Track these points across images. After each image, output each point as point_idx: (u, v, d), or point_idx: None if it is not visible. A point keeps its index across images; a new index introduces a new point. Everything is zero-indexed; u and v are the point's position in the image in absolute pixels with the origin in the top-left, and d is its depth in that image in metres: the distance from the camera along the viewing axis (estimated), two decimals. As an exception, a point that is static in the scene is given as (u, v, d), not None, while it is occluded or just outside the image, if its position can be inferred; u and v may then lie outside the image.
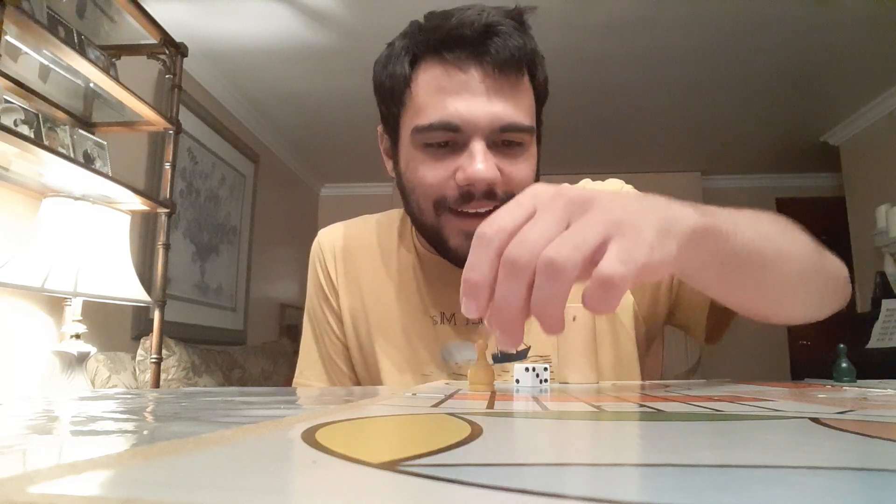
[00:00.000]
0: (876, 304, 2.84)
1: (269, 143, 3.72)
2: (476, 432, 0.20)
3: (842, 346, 0.62)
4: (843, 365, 0.61)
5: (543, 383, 0.50)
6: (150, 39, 1.96)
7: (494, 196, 0.64)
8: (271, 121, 3.54)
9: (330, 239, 0.82)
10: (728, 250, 0.42)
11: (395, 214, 0.83)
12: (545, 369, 0.50)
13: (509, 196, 0.61)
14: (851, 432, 0.21)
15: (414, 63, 0.65)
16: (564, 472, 0.14)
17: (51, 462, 0.18)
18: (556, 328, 0.33)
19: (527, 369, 0.50)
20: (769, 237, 0.48)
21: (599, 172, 4.32)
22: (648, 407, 0.32)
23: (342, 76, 2.92)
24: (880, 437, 0.20)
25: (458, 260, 0.68)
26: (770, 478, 0.13)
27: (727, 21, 2.50)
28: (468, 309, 0.35)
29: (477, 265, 0.34)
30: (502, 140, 0.64)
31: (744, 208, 0.47)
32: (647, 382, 0.69)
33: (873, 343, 2.68)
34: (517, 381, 0.50)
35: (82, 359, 1.56)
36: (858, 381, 0.60)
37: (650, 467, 0.15)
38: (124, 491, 0.11)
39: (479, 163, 0.62)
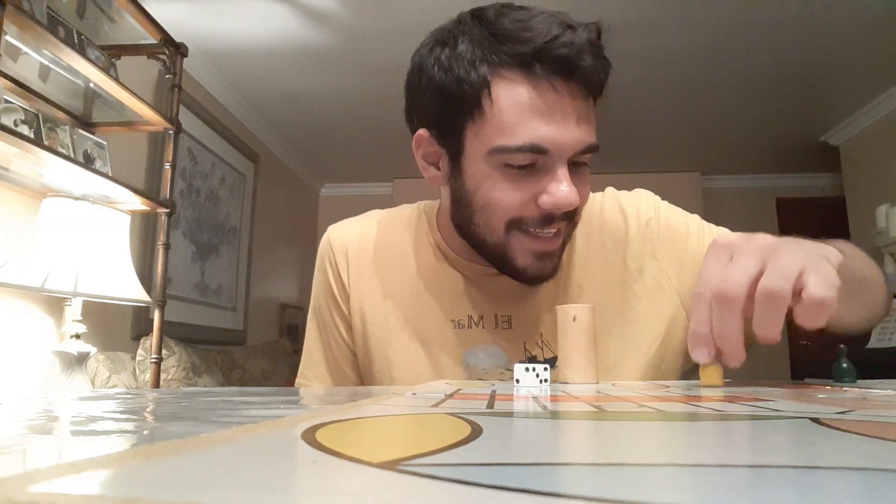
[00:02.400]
0: (876, 304, 2.84)
1: (269, 143, 3.72)
2: (476, 432, 0.20)
3: (842, 346, 0.62)
4: (843, 365, 0.61)
5: (543, 383, 0.50)
6: (150, 39, 1.96)
7: (568, 215, 0.63)
8: (271, 121, 3.54)
9: (341, 237, 0.78)
10: (850, 277, 0.52)
11: (412, 213, 0.80)
12: (545, 369, 0.51)
13: (575, 213, 0.64)
14: (851, 432, 0.21)
15: (493, 72, 0.60)
16: (564, 472, 0.14)
17: (51, 462, 0.18)
18: (774, 341, 0.45)
19: (526, 369, 0.50)
20: (864, 263, 0.61)
21: (599, 172, 4.30)
22: (648, 407, 0.32)
23: (342, 76, 2.92)
24: (880, 437, 0.20)
25: (524, 276, 0.66)
26: (770, 478, 0.13)
27: (727, 21, 2.50)
28: (701, 355, 0.47)
29: (702, 320, 0.47)
30: (575, 161, 0.63)
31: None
32: (648, 382, 0.69)
33: (873, 343, 2.68)
34: (517, 380, 0.50)
35: (82, 359, 1.56)
36: (858, 381, 0.60)
37: (650, 467, 0.15)
38: (124, 491, 0.11)
39: (565, 188, 0.60)
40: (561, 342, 0.62)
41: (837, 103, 3.30)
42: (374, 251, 0.77)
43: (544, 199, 0.61)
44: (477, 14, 0.63)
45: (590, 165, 0.66)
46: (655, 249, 0.73)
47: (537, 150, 0.59)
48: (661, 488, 0.12)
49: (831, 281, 0.44)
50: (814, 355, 3.89)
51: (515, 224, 0.63)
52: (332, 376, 0.78)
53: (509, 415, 0.28)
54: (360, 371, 0.77)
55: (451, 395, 0.40)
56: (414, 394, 0.42)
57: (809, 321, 0.44)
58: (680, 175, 4.36)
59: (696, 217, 0.77)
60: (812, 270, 0.44)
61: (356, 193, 4.69)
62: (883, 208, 3.13)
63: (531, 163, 0.60)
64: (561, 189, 0.60)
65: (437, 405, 0.32)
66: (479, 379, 0.70)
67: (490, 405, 0.32)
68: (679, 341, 0.71)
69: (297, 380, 0.80)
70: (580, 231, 0.74)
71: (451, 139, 0.64)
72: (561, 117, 0.60)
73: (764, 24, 2.51)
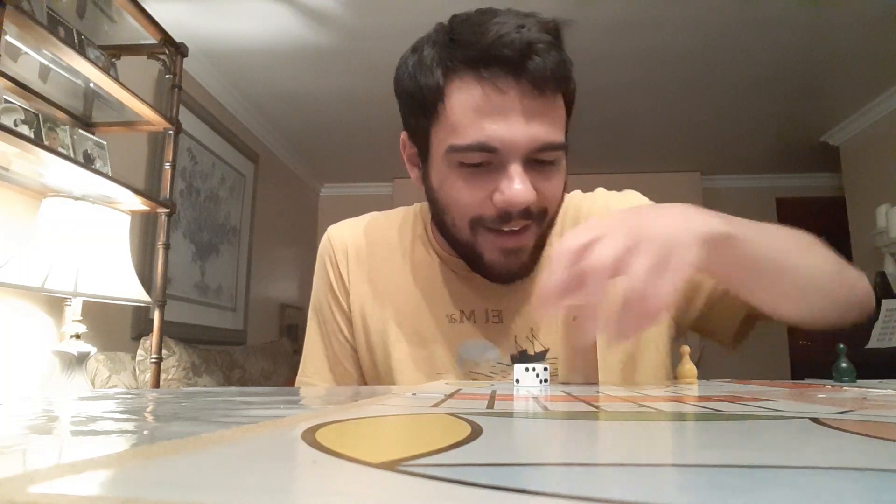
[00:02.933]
0: (876, 305, 2.84)
1: (269, 143, 3.72)
2: (476, 432, 0.20)
3: (842, 346, 0.62)
4: (843, 365, 0.61)
5: (543, 383, 0.50)
6: (150, 39, 1.96)
7: (530, 215, 0.64)
8: (271, 121, 3.54)
9: (341, 236, 0.80)
10: (748, 255, 0.52)
11: (407, 213, 0.82)
12: (545, 369, 0.51)
13: (542, 212, 0.65)
14: (851, 432, 0.21)
15: (446, 76, 0.63)
16: (564, 472, 0.14)
17: (51, 462, 0.18)
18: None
19: (526, 369, 0.50)
20: (787, 248, 0.58)
21: (600, 172, 4.30)
22: (648, 407, 0.32)
23: (342, 76, 2.91)
24: (880, 437, 0.20)
25: (491, 273, 0.69)
26: (770, 478, 0.13)
27: (727, 21, 2.50)
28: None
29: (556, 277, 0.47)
30: (536, 159, 0.63)
31: (746, 210, 0.54)
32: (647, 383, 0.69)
33: (873, 343, 2.68)
34: (517, 380, 0.51)
35: (82, 359, 1.56)
36: (858, 381, 0.60)
37: (650, 467, 0.15)
38: (124, 491, 0.11)
39: (518, 185, 0.61)
40: (562, 343, 0.62)
41: (837, 103, 3.30)
42: (372, 249, 0.79)
43: (497, 197, 0.63)
44: (450, 20, 0.66)
45: (557, 164, 0.66)
46: None
47: (486, 148, 0.61)
48: (662, 488, 0.12)
49: (673, 286, 0.44)
50: (814, 355, 3.89)
51: (478, 222, 0.65)
52: (333, 373, 0.79)
53: (509, 415, 0.28)
54: (360, 367, 0.78)
55: (451, 395, 0.40)
56: (414, 394, 0.42)
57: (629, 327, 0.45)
58: (680, 175, 4.36)
59: None
60: (670, 268, 0.44)
61: (356, 193, 4.69)
62: (883, 208, 3.13)
63: (484, 161, 0.62)
64: (513, 187, 0.61)
65: (437, 405, 0.32)
66: (472, 372, 0.72)
67: (490, 405, 0.32)
68: (662, 346, 0.73)
69: (298, 377, 0.81)
70: (566, 229, 0.75)
71: (421, 142, 0.68)
72: (509, 116, 0.61)
73: (764, 24, 2.51)
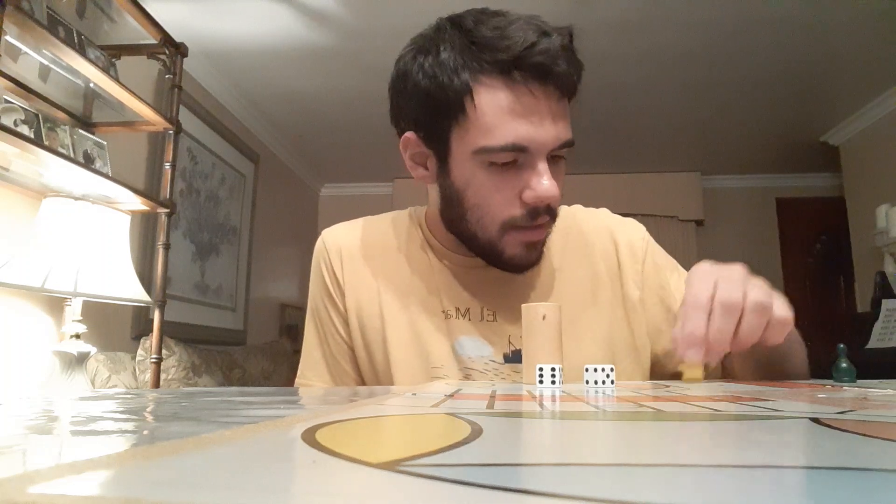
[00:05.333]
0: (876, 304, 2.84)
1: (269, 143, 3.72)
2: (476, 432, 0.20)
3: (842, 346, 0.62)
4: (843, 365, 0.60)
5: (604, 384, 0.52)
6: (150, 39, 1.96)
7: (551, 209, 0.68)
8: (271, 121, 3.54)
9: (335, 239, 0.82)
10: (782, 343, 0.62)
11: (399, 215, 0.84)
12: (612, 370, 0.53)
13: (556, 207, 0.70)
14: (851, 432, 0.21)
15: (475, 78, 0.64)
16: (564, 472, 0.14)
17: (51, 462, 0.18)
18: (752, 343, 0.57)
19: (595, 370, 0.53)
20: (797, 344, 0.72)
21: (600, 172, 4.29)
22: (648, 407, 0.32)
23: (342, 76, 2.91)
24: (880, 437, 0.20)
25: (511, 266, 0.72)
26: (770, 478, 0.13)
27: (727, 21, 2.50)
28: (696, 355, 0.55)
29: (700, 325, 0.55)
30: (553, 155, 0.67)
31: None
32: (648, 382, 0.69)
33: (873, 343, 2.68)
34: (587, 381, 0.53)
35: (82, 359, 1.56)
36: (858, 381, 0.60)
37: (650, 467, 0.15)
38: (124, 491, 0.11)
39: (547, 182, 0.65)
40: (528, 341, 0.61)
41: (837, 103, 3.30)
42: (366, 250, 0.80)
43: (528, 195, 0.66)
44: (456, 21, 0.67)
45: (564, 159, 0.71)
46: (642, 281, 0.79)
47: (518, 148, 0.64)
48: (662, 488, 0.12)
49: (788, 307, 0.58)
50: (814, 355, 3.88)
51: (509, 224, 0.68)
52: (331, 374, 0.80)
53: (509, 415, 0.28)
54: (358, 367, 0.79)
55: (451, 395, 0.40)
56: (414, 394, 0.42)
57: (776, 336, 0.58)
58: (680, 175, 4.35)
59: (673, 260, 0.85)
60: (776, 297, 0.58)
61: (356, 193, 4.68)
62: (883, 208, 3.13)
63: (513, 160, 0.66)
64: (542, 183, 0.65)
65: (437, 405, 0.32)
66: (466, 367, 0.73)
67: (490, 405, 0.32)
68: (644, 359, 0.78)
69: (296, 380, 0.82)
70: (567, 240, 0.81)
71: (437, 141, 0.69)
72: (538, 118, 0.64)
73: (764, 24, 2.51)
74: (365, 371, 0.78)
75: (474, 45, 0.64)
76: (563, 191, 0.71)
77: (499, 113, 0.64)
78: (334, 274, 0.79)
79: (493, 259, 0.72)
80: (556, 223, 0.78)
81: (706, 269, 0.59)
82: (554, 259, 0.79)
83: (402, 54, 0.70)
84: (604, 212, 0.86)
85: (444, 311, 0.75)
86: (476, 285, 0.76)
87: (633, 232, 0.83)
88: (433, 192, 0.75)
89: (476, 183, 0.67)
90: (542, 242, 0.72)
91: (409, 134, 0.71)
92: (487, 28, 0.65)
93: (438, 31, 0.68)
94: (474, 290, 0.76)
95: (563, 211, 0.84)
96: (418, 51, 0.68)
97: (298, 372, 0.82)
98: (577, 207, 0.86)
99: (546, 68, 0.63)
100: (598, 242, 0.81)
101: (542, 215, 0.68)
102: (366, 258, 0.80)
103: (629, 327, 0.77)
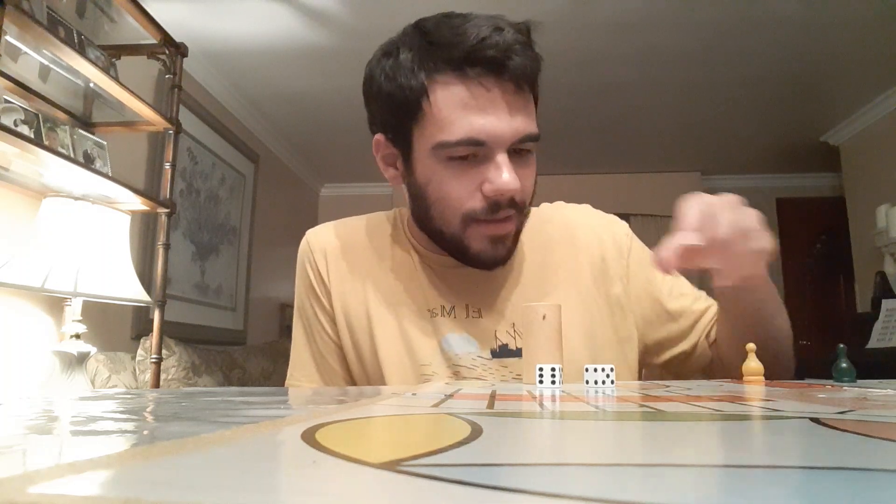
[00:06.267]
0: (876, 304, 2.84)
1: (269, 143, 3.72)
2: (476, 432, 0.20)
3: (842, 346, 0.62)
4: (843, 365, 0.60)
5: (602, 384, 0.52)
6: (150, 39, 1.96)
7: (514, 204, 0.68)
8: (271, 121, 3.54)
9: (319, 239, 0.83)
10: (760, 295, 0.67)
11: (381, 216, 0.85)
12: (612, 370, 0.53)
13: (522, 200, 0.69)
14: (851, 432, 0.21)
15: (430, 76, 0.66)
16: (564, 472, 0.14)
17: (51, 462, 0.18)
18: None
19: (595, 370, 0.53)
20: (779, 304, 0.72)
21: (600, 172, 4.30)
22: (648, 407, 0.32)
23: (342, 76, 2.91)
24: (880, 437, 0.20)
25: (478, 262, 0.73)
26: (770, 478, 0.13)
27: (727, 21, 2.50)
28: (690, 237, 0.54)
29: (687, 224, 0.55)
30: (516, 149, 0.68)
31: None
32: (648, 382, 0.69)
33: (873, 343, 2.68)
34: (587, 381, 0.53)
35: (82, 359, 1.56)
36: (858, 381, 0.60)
37: (650, 467, 0.15)
38: (124, 491, 0.11)
39: (506, 174, 0.65)
40: (528, 341, 0.61)
41: (837, 103, 3.30)
42: (351, 249, 0.81)
43: (486, 188, 0.66)
44: (419, 25, 0.70)
45: (531, 154, 0.71)
46: (627, 276, 0.81)
47: (475, 142, 0.65)
48: (661, 488, 0.12)
49: (773, 242, 0.59)
50: (814, 355, 3.89)
51: (469, 216, 0.68)
52: (320, 373, 0.80)
53: (509, 415, 0.28)
54: (346, 365, 0.80)
55: (451, 395, 0.40)
56: (414, 394, 0.42)
57: (755, 264, 0.60)
58: (680, 175, 4.35)
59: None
60: (765, 229, 0.59)
61: (356, 193, 4.68)
62: (883, 208, 3.13)
63: (471, 154, 0.66)
64: (502, 177, 0.65)
65: (437, 405, 0.32)
66: (454, 364, 0.74)
67: (490, 405, 0.32)
68: (633, 361, 0.79)
69: (286, 382, 0.82)
70: (552, 235, 0.81)
71: (401, 141, 0.71)
72: (494, 111, 0.65)
73: (764, 24, 2.51)
74: (354, 370, 0.79)
75: (430, 45, 0.66)
76: (534, 184, 0.72)
77: (454, 108, 0.65)
78: (319, 274, 0.80)
79: (461, 256, 0.73)
80: (540, 218, 0.81)
81: (698, 196, 0.59)
82: (537, 254, 0.80)
83: (370, 58, 0.73)
84: (587, 208, 0.87)
85: (429, 311, 0.76)
86: (459, 284, 0.77)
87: (617, 228, 0.84)
88: (405, 193, 0.76)
89: (436, 179, 0.68)
90: (510, 237, 0.71)
91: (378, 136, 0.74)
92: (446, 28, 0.66)
93: (402, 35, 0.70)
94: (458, 289, 0.77)
95: (547, 207, 0.87)
96: (383, 54, 0.71)
97: (288, 374, 0.82)
98: (560, 203, 0.88)
99: (498, 61, 0.64)
100: (583, 237, 0.82)
101: (505, 209, 0.68)
102: (351, 258, 0.80)
103: (612, 321, 0.78)
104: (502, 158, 0.66)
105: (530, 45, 0.67)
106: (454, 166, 0.67)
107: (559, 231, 0.82)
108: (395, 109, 0.69)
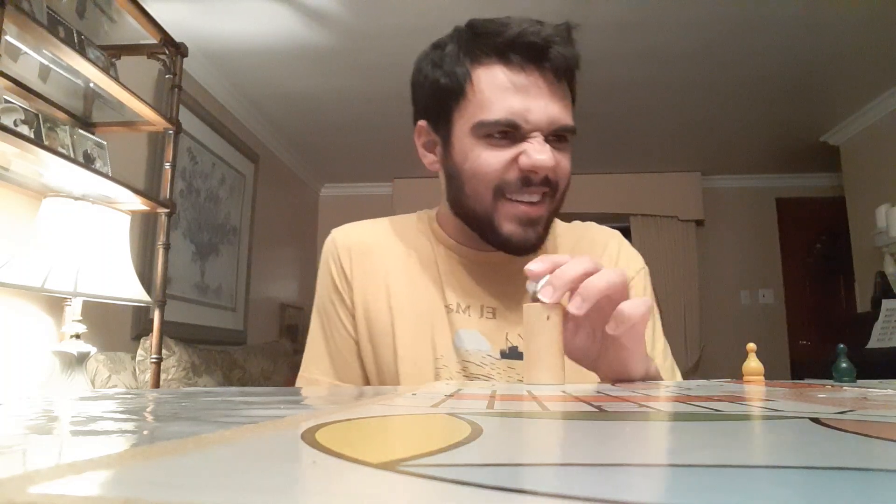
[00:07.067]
0: (876, 304, 2.84)
1: (269, 143, 3.72)
2: (476, 432, 0.20)
3: (842, 346, 0.62)
4: (843, 365, 0.61)
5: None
6: (150, 39, 1.96)
7: (549, 182, 0.71)
8: (271, 121, 3.54)
9: (345, 237, 0.85)
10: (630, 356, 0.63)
11: (408, 217, 0.88)
12: None
13: (556, 185, 0.72)
14: (851, 432, 0.21)
15: (474, 62, 0.71)
16: (565, 472, 0.14)
17: (51, 462, 0.18)
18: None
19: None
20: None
21: (599, 172, 4.29)
22: (648, 407, 0.32)
23: (342, 76, 2.91)
24: (880, 437, 0.20)
25: (509, 245, 0.74)
26: (770, 478, 0.13)
27: (727, 21, 2.50)
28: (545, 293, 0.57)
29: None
30: (554, 135, 0.71)
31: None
32: (648, 382, 0.69)
33: (873, 343, 2.68)
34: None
35: (82, 359, 1.56)
36: (858, 381, 0.60)
37: (650, 467, 0.15)
38: (124, 491, 0.11)
39: (542, 151, 0.68)
40: (530, 341, 0.61)
41: (837, 103, 3.30)
42: (375, 247, 0.83)
43: (522, 160, 0.69)
44: (469, 23, 0.74)
45: (568, 145, 0.74)
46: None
47: (512, 124, 0.69)
48: (661, 488, 0.12)
49: (645, 312, 0.58)
50: (814, 355, 3.89)
51: (500, 190, 0.71)
52: (335, 368, 0.81)
53: (509, 415, 0.28)
54: (361, 361, 0.81)
55: (451, 395, 0.40)
56: (414, 394, 0.42)
57: (622, 321, 0.57)
58: (680, 175, 4.35)
59: (656, 307, 0.86)
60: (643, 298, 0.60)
61: (356, 193, 4.68)
62: (883, 208, 3.13)
63: (510, 132, 0.69)
64: (538, 152, 0.68)
65: (437, 405, 0.32)
66: (464, 360, 0.76)
67: (490, 405, 0.32)
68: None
69: (299, 375, 0.83)
70: (578, 248, 0.83)
71: (443, 124, 0.75)
72: (533, 96, 0.69)
73: (764, 24, 2.51)
74: (368, 365, 0.80)
75: (476, 36, 0.71)
76: (568, 175, 0.74)
77: (495, 90, 0.69)
78: (342, 270, 0.82)
79: (491, 237, 0.74)
80: (575, 234, 0.84)
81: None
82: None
83: (420, 53, 0.77)
84: (616, 234, 0.90)
85: (446, 306, 0.78)
86: (479, 282, 0.79)
87: (633, 263, 0.86)
88: (441, 178, 0.79)
89: (473, 155, 0.71)
90: (540, 221, 0.73)
91: (421, 122, 0.78)
92: (493, 24, 0.71)
93: (451, 32, 0.75)
94: (477, 287, 0.79)
95: (578, 224, 0.89)
96: (432, 47, 0.76)
97: (301, 367, 0.83)
98: (592, 224, 0.90)
99: (539, 48, 0.68)
100: (605, 258, 0.85)
101: (538, 186, 0.70)
102: (375, 256, 0.82)
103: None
104: (539, 139, 0.69)
105: (570, 40, 0.71)
106: (492, 142, 0.70)
107: (587, 246, 0.85)
108: (438, 93, 0.73)
